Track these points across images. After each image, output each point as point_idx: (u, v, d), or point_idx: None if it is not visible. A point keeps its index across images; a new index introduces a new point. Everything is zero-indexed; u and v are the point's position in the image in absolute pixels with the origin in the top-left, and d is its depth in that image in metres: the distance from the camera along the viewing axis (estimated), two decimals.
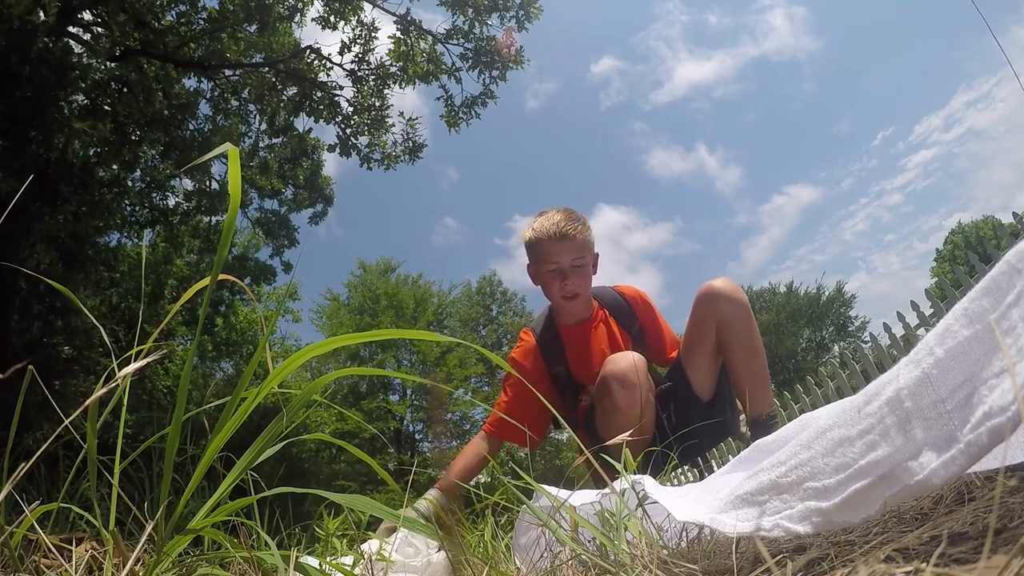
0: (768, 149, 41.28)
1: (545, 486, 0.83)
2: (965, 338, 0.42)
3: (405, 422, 18.66)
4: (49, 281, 0.81)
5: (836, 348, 21.56)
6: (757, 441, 0.74)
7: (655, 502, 0.73)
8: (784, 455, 0.56)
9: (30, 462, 0.64)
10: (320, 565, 0.77)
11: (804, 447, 0.53)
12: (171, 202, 9.54)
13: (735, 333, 1.69)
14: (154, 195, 9.38)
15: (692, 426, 1.68)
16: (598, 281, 2.02)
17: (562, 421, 0.94)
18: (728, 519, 0.59)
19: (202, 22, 8.10)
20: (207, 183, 9.00)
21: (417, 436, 19.03)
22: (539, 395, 0.86)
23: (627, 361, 1.64)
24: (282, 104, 8.74)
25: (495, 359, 0.77)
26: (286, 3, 8.28)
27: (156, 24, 7.67)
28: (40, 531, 0.71)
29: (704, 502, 0.67)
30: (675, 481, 5.32)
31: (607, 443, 0.90)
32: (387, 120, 8.67)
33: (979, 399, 0.40)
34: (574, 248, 1.84)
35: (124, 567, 0.59)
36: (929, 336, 0.46)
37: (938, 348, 0.44)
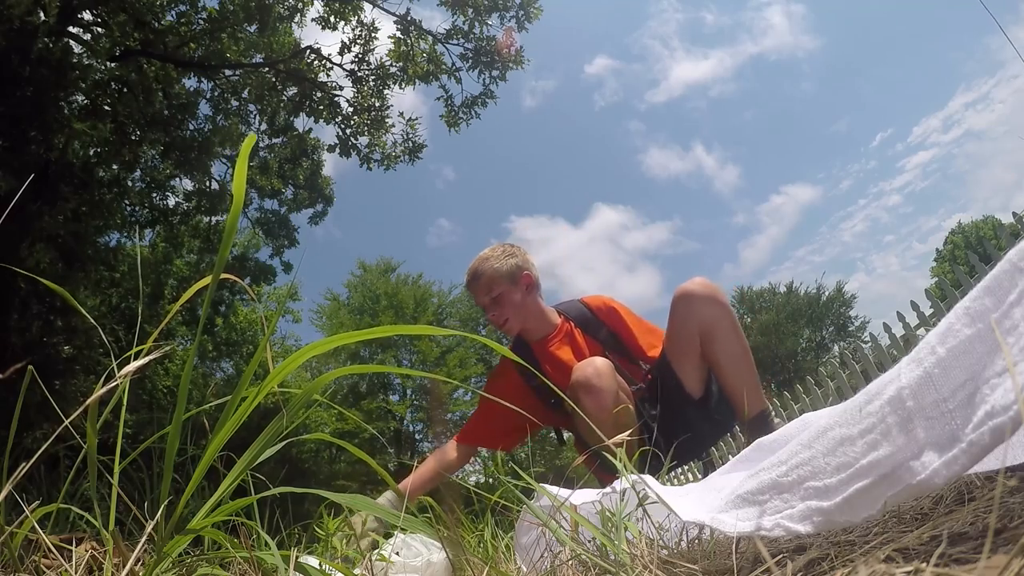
0: (766, 149, 41.22)
1: (546, 485, 0.83)
2: (967, 337, 0.42)
3: (405, 422, 18.67)
4: (46, 282, 0.81)
5: (836, 348, 21.56)
6: (758, 440, 0.74)
7: (655, 502, 0.73)
8: (785, 454, 0.56)
9: (30, 462, 0.63)
10: (320, 565, 0.77)
11: (805, 446, 0.53)
12: (171, 202, 9.55)
13: (717, 339, 1.71)
14: (154, 195, 9.38)
15: (689, 424, 1.70)
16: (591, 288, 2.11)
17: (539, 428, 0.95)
18: (728, 518, 0.59)
19: (202, 22, 8.10)
20: (207, 183, 9.00)
21: (417, 436, 19.03)
22: (511, 404, 0.89)
23: (591, 368, 1.69)
24: (282, 104, 8.74)
25: (500, 349, 0.77)
26: (286, 3, 8.28)
27: (156, 24, 7.67)
28: (40, 531, 0.71)
29: (705, 502, 0.67)
30: (675, 481, 5.32)
31: (591, 448, 0.92)
32: (387, 120, 8.67)
33: (981, 398, 0.40)
34: (484, 284, 2.03)
35: (124, 567, 0.59)
36: (931, 335, 0.46)
37: (940, 347, 0.44)
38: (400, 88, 8.54)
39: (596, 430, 0.98)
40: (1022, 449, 0.59)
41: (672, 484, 1.31)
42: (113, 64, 7.66)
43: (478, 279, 2.05)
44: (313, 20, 8.35)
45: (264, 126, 9.08)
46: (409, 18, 8.10)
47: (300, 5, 8.37)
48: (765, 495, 0.56)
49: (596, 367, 1.69)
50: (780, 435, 0.71)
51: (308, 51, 8.47)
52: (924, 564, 0.38)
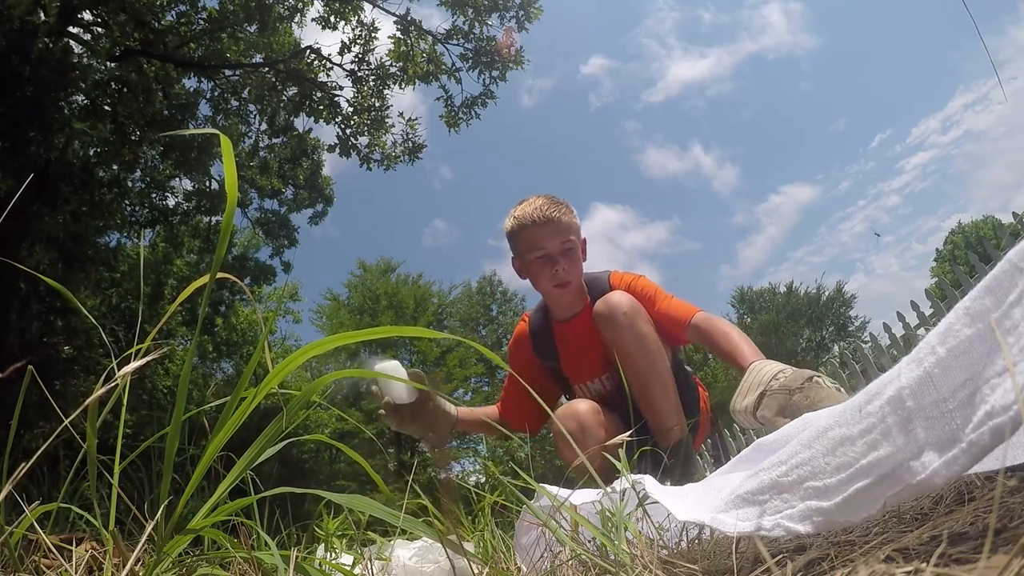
0: (764, 149, 41.28)
1: (546, 485, 0.83)
2: (967, 337, 0.42)
3: None
4: (48, 280, 0.81)
5: (836, 348, 21.56)
6: (758, 440, 0.74)
7: (655, 502, 0.73)
8: (785, 454, 0.56)
9: (30, 462, 0.63)
10: (319, 565, 0.77)
11: (805, 446, 0.53)
12: (171, 202, 9.56)
13: (624, 365, 1.56)
14: (154, 195, 9.39)
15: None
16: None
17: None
18: (728, 518, 0.59)
19: (202, 22, 8.10)
20: (207, 183, 9.00)
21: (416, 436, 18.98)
22: (529, 387, 0.88)
23: (574, 422, 1.60)
24: (282, 104, 8.75)
25: (494, 358, 0.77)
26: (286, 3, 8.28)
27: (156, 24, 7.67)
28: (40, 531, 0.71)
29: (704, 502, 0.67)
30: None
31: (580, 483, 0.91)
32: (387, 120, 8.68)
33: (981, 398, 0.40)
34: (561, 230, 1.72)
35: (124, 567, 0.59)
36: (931, 335, 0.46)
37: (940, 347, 0.44)
38: (400, 88, 8.56)
39: (586, 468, 0.93)
40: (1022, 449, 0.59)
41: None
42: (113, 64, 7.67)
43: (555, 222, 1.71)
44: (313, 20, 8.37)
45: (264, 126, 9.10)
46: (409, 18, 8.11)
47: (300, 5, 8.37)
48: (765, 495, 0.56)
49: (579, 421, 1.60)
50: (780, 435, 0.71)
51: (308, 51, 8.48)
52: (924, 564, 0.38)
